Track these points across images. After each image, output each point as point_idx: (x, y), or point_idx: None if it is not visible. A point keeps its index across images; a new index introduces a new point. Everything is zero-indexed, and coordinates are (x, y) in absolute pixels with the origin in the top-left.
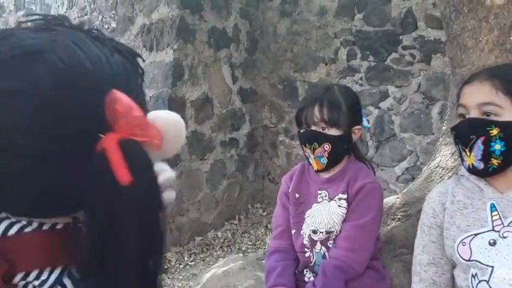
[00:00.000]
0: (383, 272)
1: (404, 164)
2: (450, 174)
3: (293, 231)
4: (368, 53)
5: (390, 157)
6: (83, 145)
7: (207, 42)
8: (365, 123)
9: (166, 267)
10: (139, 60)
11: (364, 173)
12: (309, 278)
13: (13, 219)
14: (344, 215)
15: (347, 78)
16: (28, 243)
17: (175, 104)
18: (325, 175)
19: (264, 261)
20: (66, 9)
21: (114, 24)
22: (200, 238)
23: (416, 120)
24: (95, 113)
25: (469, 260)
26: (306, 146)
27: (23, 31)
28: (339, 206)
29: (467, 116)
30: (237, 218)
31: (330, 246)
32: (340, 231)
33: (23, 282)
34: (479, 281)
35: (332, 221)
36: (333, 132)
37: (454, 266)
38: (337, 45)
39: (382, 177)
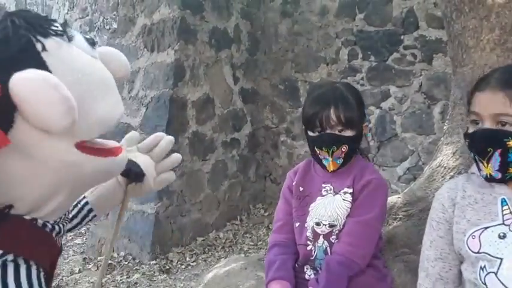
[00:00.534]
0: (384, 272)
1: (405, 164)
2: (452, 173)
3: (297, 224)
4: (369, 53)
5: (392, 157)
6: None
7: (208, 43)
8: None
9: (168, 267)
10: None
11: (370, 169)
12: (309, 276)
13: None
14: (348, 210)
15: (348, 78)
16: None
17: (176, 105)
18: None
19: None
20: (68, 10)
21: (115, 25)
22: (202, 239)
23: (417, 120)
24: None
25: (478, 253)
26: (321, 149)
27: None
28: (344, 200)
29: (481, 124)
30: (238, 219)
31: (333, 241)
32: (343, 226)
33: None
34: (488, 273)
35: (336, 214)
36: (349, 133)
37: (461, 262)
38: (339, 45)
39: (384, 177)
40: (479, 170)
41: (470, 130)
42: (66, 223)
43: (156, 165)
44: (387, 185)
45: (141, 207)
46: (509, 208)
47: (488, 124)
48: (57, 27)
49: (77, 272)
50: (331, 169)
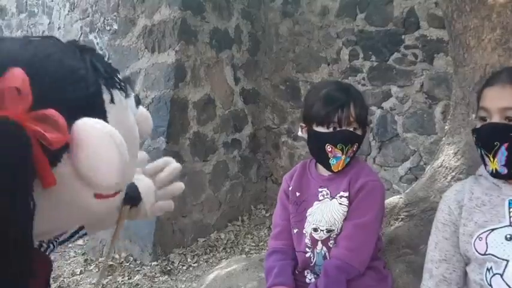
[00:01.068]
0: (384, 273)
1: (407, 164)
2: (453, 173)
3: (295, 231)
4: (370, 53)
5: (393, 157)
6: None
7: (209, 43)
8: None
9: (169, 268)
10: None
11: (366, 171)
12: (310, 280)
13: None
14: (345, 213)
15: (349, 78)
16: None
17: (177, 106)
18: (327, 173)
19: None
20: (68, 11)
21: (115, 26)
22: (203, 239)
23: (419, 120)
24: None
25: (484, 254)
26: (336, 146)
27: None
28: (340, 204)
29: (489, 120)
30: (240, 219)
31: (331, 246)
32: (341, 229)
33: None
34: (494, 275)
35: (333, 219)
36: (359, 132)
37: (466, 264)
38: (340, 45)
39: (385, 177)
40: (485, 165)
41: (478, 126)
42: (58, 238)
43: (157, 191)
44: (384, 186)
45: None
46: None
47: (496, 119)
48: (120, 80)
49: (78, 273)
50: (338, 169)
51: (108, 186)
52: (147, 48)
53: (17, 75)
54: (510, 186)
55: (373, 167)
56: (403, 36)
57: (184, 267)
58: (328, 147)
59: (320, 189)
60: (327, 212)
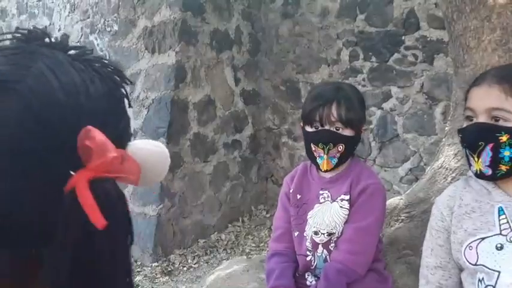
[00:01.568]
0: (385, 274)
1: (407, 165)
2: (454, 174)
3: (296, 234)
4: (370, 53)
5: (393, 158)
6: (53, 181)
7: (209, 44)
8: None
9: (170, 269)
10: (123, 80)
11: (367, 174)
12: (310, 282)
13: None
14: (346, 217)
15: (350, 79)
16: None
17: (177, 107)
18: (328, 175)
19: None
20: (69, 12)
21: (116, 27)
22: (204, 240)
23: (419, 120)
24: (66, 149)
25: (475, 265)
26: (317, 145)
27: None
28: (341, 207)
29: (476, 120)
30: (240, 220)
31: (332, 249)
32: (341, 232)
33: None
34: (486, 286)
35: (334, 222)
36: (347, 132)
37: (461, 270)
38: (340, 46)
39: (386, 178)
40: (470, 165)
41: (464, 126)
42: None
43: None
44: (385, 189)
45: (142, 209)
46: (506, 217)
47: (482, 119)
48: (127, 78)
49: None
50: (325, 168)
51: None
52: (148, 49)
53: (96, 134)
54: (499, 190)
55: (373, 168)
56: (403, 37)
57: (185, 268)
58: (313, 147)
59: (321, 192)
60: (327, 215)
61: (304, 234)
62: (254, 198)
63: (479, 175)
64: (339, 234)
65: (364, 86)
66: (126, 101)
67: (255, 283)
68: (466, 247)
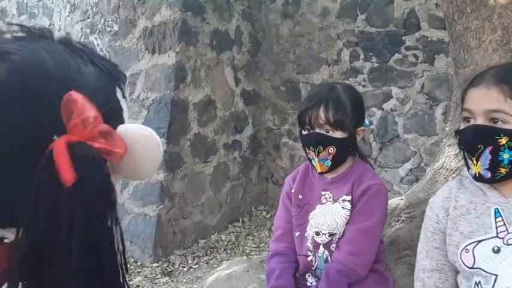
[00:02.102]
0: (385, 275)
1: (408, 165)
2: (454, 175)
3: (297, 234)
4: (371, 54)
5: (394, 158)
6: (35, 147)
7: (210, 45)
8: (366, 122)
9: (170, 270)
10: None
11: (369, 175)
12: (311, 283)
13: None
14: (347, 217)
15: (350, 79)
16: None
17: (177, 107)
18: (330, 176)
19: None
20: (69, 12)
21: (116, 28)
22: (204, 241)
23: (419, 121)
24: (51, 115)
25: (472, 268)
26: (309, 148)
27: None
28: (343, 207)
29: (473, 122)
30: (240, 221)
31: (333, 249)
32: (343, 233)
33: None
34: None
35: (335, 223)
36: (338, 134)
37: (457, 272)
38: (340, 46)
39: (386, 179)
40: (468, 168)
41: (462, 127)
42: None
43: None
44: (387, 190)
45: (142, 210)
46: (502, 220)
47: (480, 121)
48: (122, 72)
49: None
50: (319, 170)
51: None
52: (148, 50)
53: (78, 97)
54: (495, 192)
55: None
56: (403, 37)
57: (185, 269)
58: (306, 149)
59: (323, 193)
60: (329, 215)
61: (306, 235)
62: (254, 199)
63: (478, 178)
64: (341, 234)
65: (364, 86)
66: (120, 92)
67: (255, 284)
68: (462, 250)
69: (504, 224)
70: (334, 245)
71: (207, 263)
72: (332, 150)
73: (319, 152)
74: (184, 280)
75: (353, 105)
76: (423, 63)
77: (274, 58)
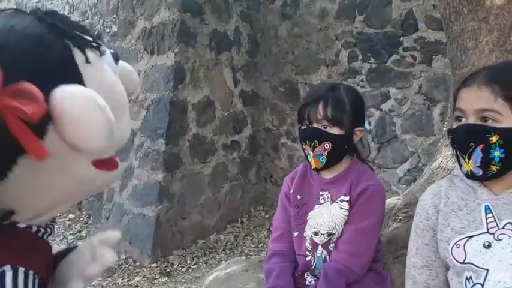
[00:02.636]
0: (383, 274)
1: (406, 166)
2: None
3: (296, 234)
4: (369, 54)
5: (392, 158)
6: None
7: (208, 45)
8: (366, 126)
9: (169, 270)
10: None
11: (367, 175)
12: (309, 282)
13: None
14: (346, 217)
15: (348, 80)
16: None
17: (176, 107)
18: (328, 176)
19: None
20: (68, 13)
21: (115, 28)
22: (203, 241)
23: (417, 121)
24: None
25: (463, 263)
26: (305, 143)
27: None
28: (341, 208)
29: (465, 121)
30: (239, 221)
31: (331, 249)
32: (341, 233)
33: None
34: (474, 284)
35: (333, 223)
36: (335, 131)
37: (448, 269)
38: (338, 47)
39: (384, 179)
40: (461, 166)
41: (454, 126)
42: (55, 222)
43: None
44: (385, 190)
45: (141, 210)
46: (493, 216)
47: (472, 120)
48: (92, 38)
49: None
50: (313, 166)
51: (98, 149)
52: (147, 50)
53: None
54: (485, 189)
55: None
56: (401, 38)
57: (184, 269)
58: (303, 144)
59: (321, 193)
60: (327, 215)
61: (304, 235)
62: (253, 199)
63: (470, 175)
64: (339, 235)
65: (362, 87)
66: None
67: (253, 283)
68: (453, 245)
69: (494, 220)
70: (332, 245)
71: (205, 263)
72: (327, 146)
73: (314, 147)
74: (183, 280)
75: (352, 104)
76: (421, 64)
77: (272, 59)
